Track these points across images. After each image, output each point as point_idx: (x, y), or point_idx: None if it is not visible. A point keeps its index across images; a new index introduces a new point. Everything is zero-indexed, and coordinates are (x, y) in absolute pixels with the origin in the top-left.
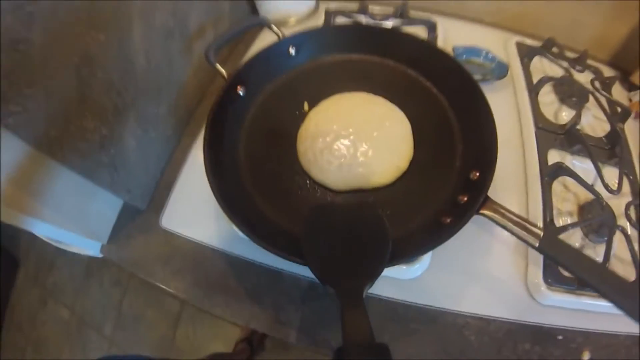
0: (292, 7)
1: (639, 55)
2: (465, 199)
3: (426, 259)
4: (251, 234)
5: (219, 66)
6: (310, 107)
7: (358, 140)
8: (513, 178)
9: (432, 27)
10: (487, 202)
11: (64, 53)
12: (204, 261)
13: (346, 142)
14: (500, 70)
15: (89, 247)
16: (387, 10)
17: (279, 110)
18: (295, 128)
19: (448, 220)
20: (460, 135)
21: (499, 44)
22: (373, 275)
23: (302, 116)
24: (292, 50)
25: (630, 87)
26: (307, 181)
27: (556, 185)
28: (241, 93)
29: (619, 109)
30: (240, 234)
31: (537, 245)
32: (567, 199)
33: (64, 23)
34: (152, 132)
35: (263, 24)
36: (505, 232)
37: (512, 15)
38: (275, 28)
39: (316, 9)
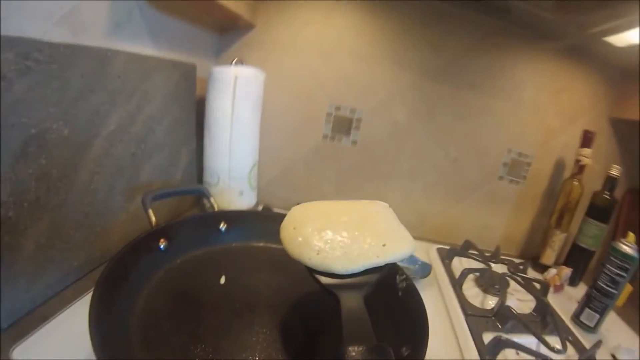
0: (234, 200)
1: (542, 241)
2: None
3: None
4: None
5: (151, 212)
6: (227, 281)
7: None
8: None
9: None
10: None
11: (24, 117)
12: None
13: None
14: (424, 270)
15: None
16: None
17: (195, 278)
18: (207, 299)
19: None
20: (384, 315)
21: (421, 252)
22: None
23: (218, 289)
24: (223, 226)
25: (542, 268)
26: (210, 349)
27: None
28: (162, 247)
29: (539, 286)
30: None
31: None
32: None
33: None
34: (57, 251)
35: (202, 194)
36: None
37: (433, 227)
38: (212, 200)
39: (256, 206)
